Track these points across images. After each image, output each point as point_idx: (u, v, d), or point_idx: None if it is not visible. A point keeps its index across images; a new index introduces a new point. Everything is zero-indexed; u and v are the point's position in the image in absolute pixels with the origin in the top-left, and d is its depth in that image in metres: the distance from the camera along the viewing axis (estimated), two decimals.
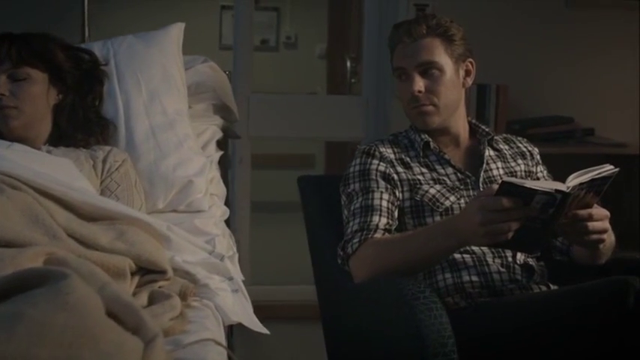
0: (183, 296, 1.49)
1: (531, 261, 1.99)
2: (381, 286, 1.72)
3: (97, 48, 2.09)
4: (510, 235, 1.61)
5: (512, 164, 2.10)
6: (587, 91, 3.50)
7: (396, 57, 2.00)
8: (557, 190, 1.57)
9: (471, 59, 2.09)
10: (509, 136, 2.21)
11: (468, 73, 2.09)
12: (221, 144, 2.32)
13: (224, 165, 2.35)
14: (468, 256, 1.92)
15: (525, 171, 2.11)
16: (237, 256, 1.95)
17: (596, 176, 1.63)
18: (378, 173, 2.00)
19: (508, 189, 1.59)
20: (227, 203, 2.14)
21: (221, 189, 2.09)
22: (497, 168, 2.07)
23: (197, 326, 1.41)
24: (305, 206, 2.16)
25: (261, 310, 4.01)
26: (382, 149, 2.05)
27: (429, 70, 1.96)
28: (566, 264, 2.07)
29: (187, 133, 2.01)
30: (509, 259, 1.94)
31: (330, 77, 5.68)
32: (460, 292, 1.89)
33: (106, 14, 6.24)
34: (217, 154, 2.15)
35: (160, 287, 1.51)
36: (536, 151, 2.19)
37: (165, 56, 2.08)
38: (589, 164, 1.66)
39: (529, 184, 1.58)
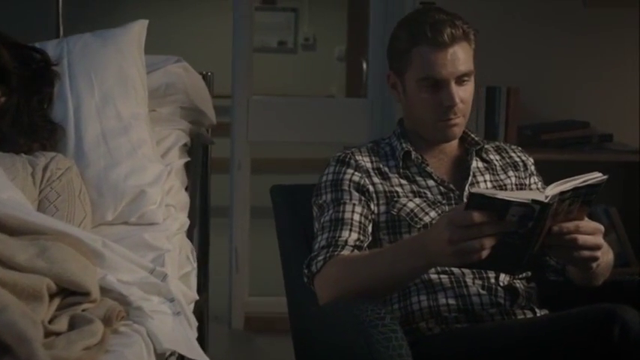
0: (107, 321, 1.34)
1: (518, 282, 1.81)
2: (339, 311, 1.55)
3: (52, 46, 1.96)
4: (485, 253, 1.44)
5: (502, 176, 1.92)
6: (604, 94, 3.34)
7: (425, 63, 1.77)
8: (534, 201, 1.39)
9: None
10: (502, 144, 2.03)
11: None
12: (196, 150, 2.18)
13: (196, 172, 2.19)
14: (445, 276, 1.75)
15: (517, 184, 1.92)
16: (194, 272, 1.81)
17: (581, 185, 1.45)
18: (352, 184, 1.84)
19: (478, 201, 1.42)
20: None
21: (181, 199, 1.94)
22: (485, 181, 1.89)
23: (114, 357, 1.26)
24: (276, 217, 2.01)
25: (259, 322, 3.84)
26: (358, 157, 1.88)
27: (463, 78, 1.78)
28: (562, 285, 1.88)
29: (143, 138, 1.86)
30: (492, 280, 1.76)
31: (349, 80, 5.54)
32: (435, 317, 1.72)
33: (117, 14, 6.18)
34: (180, 162, 2.00)
35: (83, 310, 1.36)
36: (530, 161, 2.00)
37: (123, 56, 1.94)
38: (605, 173, 1.49)
39: (501, 194, 1.41)
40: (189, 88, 2.16)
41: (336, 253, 1.72)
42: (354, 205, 1.81)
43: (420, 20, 1.80)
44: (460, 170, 1.91)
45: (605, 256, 1.68)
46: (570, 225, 1.51)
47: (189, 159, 2.09)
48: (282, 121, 3.65)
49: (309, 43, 6.41)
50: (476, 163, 1.92)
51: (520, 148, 2.04)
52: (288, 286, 1.96)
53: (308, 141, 3.81)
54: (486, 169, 1.92)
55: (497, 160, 1.96)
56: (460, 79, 1.79)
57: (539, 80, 3.29)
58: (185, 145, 2.09)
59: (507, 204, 1.40)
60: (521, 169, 1.96)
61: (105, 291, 1.43)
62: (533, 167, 2.00)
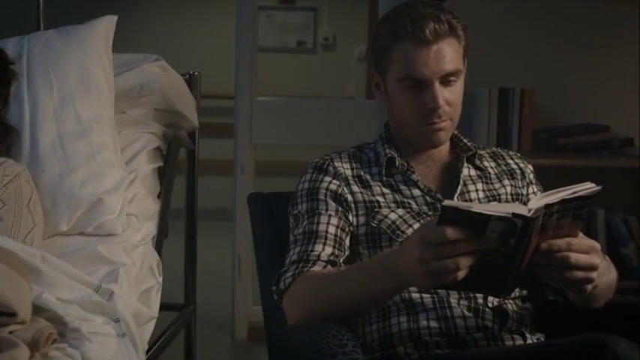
0: (35, 345, 1.21)
1: (510, 303, 1.64)
2: (300, 335, 1.41)
3: (12, 44, 1.84)
4: (461, 274, 1.28)
5: (497, 186, 1.75)
6: (625, 96, 3.15)
7: (406, 61, 1.61)
8: (515, 215, 1.23)
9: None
10: (498, 150, 1.86)
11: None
12: (173, 154, 2.04)
13: (170, 177, 2.06)
14: (428, 295, 1.59)
15: (512, 193, 1.76)
16: (157, 288, 1.67)
17: (569, 197, 1.29)
18: (328, 193, 1.69)
19: (452, 216, 1.26)
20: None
21: (145, 208, 1.80)
22: (477, 190, 1.73)
23: None
24: (253, 227, 1.87)
25: (262, 332, 3.70)
26: (337, 164, 1.74)
27: (449, 78, 1.62)
28: (561, 305, 1.71)
29: (104, 142, 1.73)
30: (480, 300, 1.60)
31: (370, 81, 5.39)
32: (415, 341, 1.56)
33: (135, 14, 6.10)
34: (148, 167, 1.87)
35: (11, 332, 1.23)
36: (529, 168, 1.83)
37: (86, 54, 1.81)
38: (626, 179, 1.32)
39: (478, 207, 1.25)
40: (166, 89, 2.03)
41: (305, 269, 1.57)
42: (329, 216, 1.66)
43: (402, 15, 1.65)
44: (450, 178, 1.75)
45: (605, 276, 1.51)
46: (561, 242, 1.34)
47: (161, 164, 1.95)
48: (287, 123, 3.51)
49: (329, 44, 6.27)
50: (468, 171, 1.76)
51: (518, 155, 1.87)
52: (263, 301, 1.82)
53: (315, 144, 3.66)
54: (479, 177, 1.76)
55: (492, 168, 1.80)
56: (446, 79, 1.63)
57: (555, 81, 3.13)
58: (157, 149, 1.95)
59: (485, 218, 1.25)
60: (518, 177, 1.80)
61: (40, 310, 1.31)
62: (532, 175, 1.83)
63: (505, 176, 1.78)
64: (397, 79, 1.65)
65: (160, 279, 1.72)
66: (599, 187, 1.33)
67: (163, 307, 2.51)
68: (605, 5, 3.12)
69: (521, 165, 1.83)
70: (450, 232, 1.24)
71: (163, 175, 1.99)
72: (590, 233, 2.99)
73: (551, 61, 3.13)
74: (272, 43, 6.12)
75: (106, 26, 1.87)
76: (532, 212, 1.25)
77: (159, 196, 1.94)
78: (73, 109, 1.73)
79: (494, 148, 1.87)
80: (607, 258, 1.66)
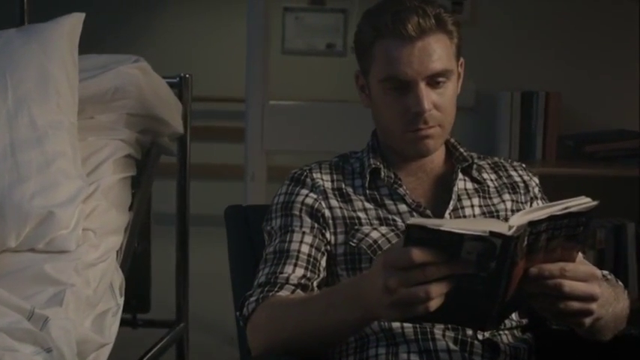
0: None
1: (505, 334, 1.46)
2: None
3: None
4: (434, 304, 1.10)
5: (495, 200, 1.57)
6: None
7: (388, 60, 1.45)
8: (493, 234, 1.06)
9: (461, 58, 1.58)
10: (501, 161, 1.67)
11: (458, 76, 1.58)
12: (151, 162, 1.90)
13: (146, 187, 1.91)
14: (409, 325, 1.41)
15: (513, 209, 1.57)
16: (115, 310, 1.52)
17: (558, 213, 1.11)
18: (304, 208, 1.53)
19: (420, 235, 1.09)
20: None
21: (107, 222, 1.65)
22: (472, 206, 1.55)
23: None
24: (228, 243, 1.71)
25: None
26: (316, 175, 1.57)
27: (437, 79, 1.45)
28: (567, 335, 1.51)
29: (61, 150, 1.59)
30: (469, 332, 1.41)
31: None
32: None
33: (164, 16, 6.03)
34: (113, 177, 1.72)
35: None
36: (535, 181, 1.64)
37: (47, 54, 1.67)
38: None
39: (448, 225, 1.07)
40: (145, 93, 1.89)
41: (271, 293, 1.41)
42: (303, 233, 1.50)
43: (384, 8, 1.48)
44: (443, 192, 1.57)
45: (611, 306, 1.32)
46: (553, 267, 1.16)
47: (131, 174, 1.80)
48: (301, 129, 3.35)
49: None
50: (463, 184, 1.58)
51: (523, 166, 1.68)
52: (237, 326, 1.66)
53: (330, 150, 3.48)
54: (476, 191, 1.58)
55: (492, 181, 1.61)
56: (433, 80, 1.46)
57: (582, 84, 2.98)
58: (128, 157, 1.80)
59: (458, 238, 1.07)
60: (521, 192, 1.61)
61: None
62: (537, 189, 1.64)
63: (506, 190, 1.60)
64: (378, 79, 1.49)
65: (121, 300, 1.57)
66: (594, 203, 1.15)
67: (151, 324, 2.42)
68: (636, 6, 2.92)
69: (526, 177, 1.64)
70: (418, 255, 1.07)
71: (138, 184, 1.84)
72: (619, 249, 2.79)
73: (578, 62, 3.00)
74: (300, 46, 5.98)
75: (71, 25, 1.72)
76: (513, 230, 1.07)
77: (131, 208, 1.79)
78: (28, 114, 1.59)
79: (495, 159, 1.69)
80: (619, 283, 1.47)
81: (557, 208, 1.13)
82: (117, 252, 1.68)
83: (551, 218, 1.12)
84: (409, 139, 1.50)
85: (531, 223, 1.10)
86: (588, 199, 1.16)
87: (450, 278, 1.10)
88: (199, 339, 2.71)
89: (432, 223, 1.09)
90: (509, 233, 1.07)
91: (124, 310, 2.38)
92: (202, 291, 2.97)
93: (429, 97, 1.45)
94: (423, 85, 1.45)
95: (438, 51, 1.45)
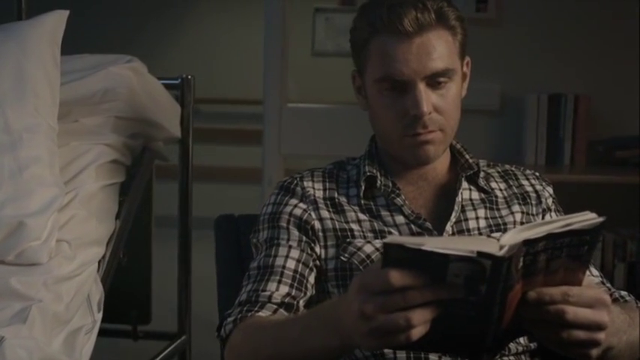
0: None
1: (510, 359, 1.32)
2: None
3: None
4: (418, 332, 0.97)
5: (504, 212, 1.44)
6: None
7: (383, 58, 1.33)
8: (482, 254, 0.94)
9: (467, 56, 1.45)
10: (512, 169, 1.53)
11: (464, 76, 1.45)
12: (144, 168, 1.80)
13: (135, 195, 1.81)
14: (402, 351, 1.28)
15: (522, 222, 1.43)
16: (89, 328, 1.42)
17: (558, 231, 0.98)
18: (292, 219, 1.41)
19: (399, 255, 0.97)
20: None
21: (85, 233, 1.54)
22: (477, 218, 1.41)
23: None
24: (216, 255, 1.61)
25: None
26: (307, 184, 1.45)
27: (438, 79, 1.33)
28: None
29: (36, 156, 1.49)
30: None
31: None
32: None
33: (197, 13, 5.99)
34: (96, 184, 1.61)
35: None
36: (548, 191, 1.50)
37: (26, 54, 1.57)
38: None
39: (431, 244, 0.94)
40: (137, 95, 1.79)
41: (250, 313, 1.30)
42: (289, 247, 1.38)
43: (381, 2, 1.35)
44: (446, 203, 1.44)
45: (623, 334, 1.17)
46: (555, 291, 1.02)
47: (117, 180, 1.70)
48: (320, 132, 3.23)
49: None
50: (469, 194, 1.44)
51: (536, 174, 1.54)
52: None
53: (350, 154, 3.37)
54: (482, 201, 1.44)
55: (500, 190, 1.48)
56: (433, 81, 1.33)
57: (613, 86, 2.84)
58: (115, 163, 1.70)
59: (442, 259, 0.94)
60: (532, 203, 1.47)
61: None
62: (550, 200, 1.50)
63: (516, 201, 1.46)
64: (374, 80, 1.36)
65: (99, 315, 1.47)
66: (600, 219, 1.01)
67: (153, 336, 2.33)
68: None
69: (538, 187, 1.50)
70: (396, 278, 0.94)
71: (128, 191, 1.74)
72: None
73: (608, 63, 2.86)
74: (331, 47, 5.86)
75: (53, 23, 1.63)
76: (504, 250, 0.94)
77: (118, 217, 1.69)
78: (3, 117, 1.50)
79: (507, 166, 1.55)
80: (638, 305, 1.33)
81: (556, 224, 1.00)
82: (99, 263, 1.58)
83: (550, 236, 0.99)
84: (407, 145, 1.37)
85: (527, 242, 0.97)
86: (594, 215, 1.02)
87: (435, 303, 0.97)
88: (203, 346, 2.60)
89: (412, 241, 0.96)
90: (500, 254, 0.94)
91: (124, 322, 2.32)
92: (208, 296, 2.88)
93: (428, 98, 1.32)
94: (421, 86, 1.32)
95: (439, 48, 1.32)
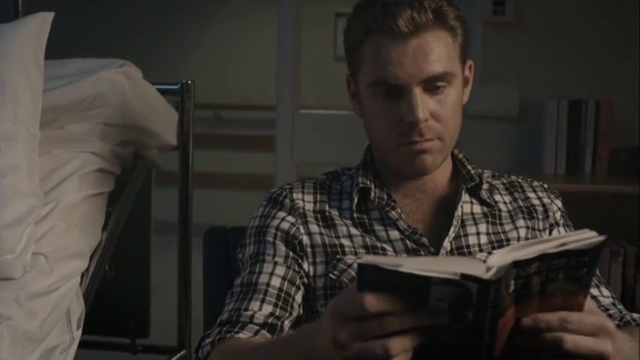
0: None
1: None
2: None
3: None
4: None
5: (507, 227, 1.34)
6: None
7: (376, 61, 1.25)
8: (466, 277, 0.85)
9: (469, 60, 1.36)
10: (518, 180, 1.44)
11: (466, 81, 1.36)
12: (139, 177, 1.72)
13: (125, 204, 1.74)
14: None
15: (528, 238, 1.34)
16: (66, 346, 1.35)
17: (552, 251, 0.89)
18: (279, 233, 1.33)
19: (376, 277, 0.88)
20: None
21: (64, 245, 1.47)
22: (479, 233, 1.32)
23: None
24: (203, 269, 1.53)
25: None
26: (296, 195, 1.37)
27: (436, 84, 1.25)
28: None
29: (14, 165, 1.42)
30: None
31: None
32: None
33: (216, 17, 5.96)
34: (79, 195, 1.53)
35: None
36: (557, 205, 1.40)
37: (6, 58, 1.49)
38: None
39: (408, 265, 0.86)
40: (129, 101, 1.71)
41: (229, 334, 1.22)
42: (275, 264, 1.30)
43: (374, 1, 1.26)
44: (445, 217, 1.34)
45: None
46: (551, 318, 0.92)
47: (104, 190, 1.62)
48: (333, 139, 3.15)
49: None
50: (470, 208, 1.35)
51: (545, 186, 1.44)
52: None
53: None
54: (485, 215, 1.35)
55: (505, 203, 1.38)
56: (431, 85, 1.24)
57: (636, 92, 2.71)
58: (101, 172, 1.63)
59: (423, 282, 0.86)
60: (539, 217, 1.37)
61: None
62: (559, 214, 1.40)
63: (521, 215, 1.36)
64: (367, 84, 1.28)
65: (78, 333, 1.39)
66: (600, 238, 0.91)
67: (151, 349, 2.25)
68: None
69: (545, 200, 1.40)
70: (372, 303, 0.85)
71: (117, 200, 1.67)
72: None
73: (631, 68, 2.74)
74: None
75: (37, 26, 1.55)
76: (492, 273, 0.85)
77: (106, 228, 1.62)
78: None
79: (513, 178, 1.45)
80: None
81: (551, 244, 0.90)
82: (83, 276, 1.51)
83: (544, 257, 0.89)
84: (403, 154, 1.28)
85: (517, 264, 0.88)
86: (593, 234, 0.92)
87: (417, 330, 0.88)
88: None
89: (389, 262, 0.87)
90: (487, 276, 0.84)
91: (122, 335, 2.25)
92: None
93: (425, 104, 1.23)
94: (417, 91, 1.23)
95: (437, 50, 1.23)
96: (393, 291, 0.87)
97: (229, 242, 1.51)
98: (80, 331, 1.41)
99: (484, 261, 0.87)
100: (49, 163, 1.54)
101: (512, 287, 0.89)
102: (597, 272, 1.37)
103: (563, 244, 0.90)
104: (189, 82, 2.07)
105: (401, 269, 0.85)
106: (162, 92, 2.06)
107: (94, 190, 1.58)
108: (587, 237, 0.92)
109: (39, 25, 1.55)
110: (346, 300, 0.88)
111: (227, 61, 5.72)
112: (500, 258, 0.87)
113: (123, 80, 1.73)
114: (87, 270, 1.53)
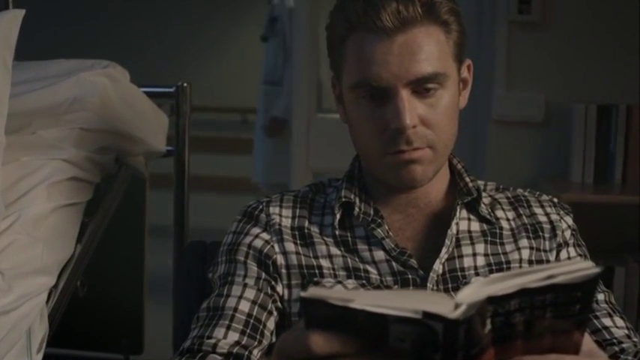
0: None
1: None
2: None
3: None
4: None
5: (508, 248, 1.21)
6: None
7: (359, 60, 1.13)
8: (428, 315, 0.72)
9: (468, 59, 1.23)
10: (525, 194, 1.29)
11: (464, 83, 1.22)
12: (121, 186, 1.61)
13: (103, 215, 1.63)
14: None
15: (531, 260, 1.20)
16: None
17: (535, 285, 0.77)
18: (251, 252, 1.21)
19: (324, 313, 0.76)
20: None
21: (26, 261, 1.35)
22: (475, 254, 1.19)
23: None
24: (173, 288, 1.41)
25: None
26: (273, 210, 1.24)
27: (426, 85, 1.12)
28: None
29: None
30: None
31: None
32: None
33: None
34: (46, 206, 1.42)
35: None
36: (566, 222, 1.26)
37: None
38: None
39: (361, 300, 0.74)
40: (111, 104, 1.61)
41: None
42: (244, 286, 1.18)
43: None
44: (439, 236, 1.21)
45: None
46: None
47: (78, 200, 1.51)
48: (351, 145, 3.01)
49: None
50: (467, 225, 1.22)
51: (555, 201, 1.29)
52: None
53: None
54: (483, 234, 1.21)
55: (508, 220, 1.24)
56: (421, 87, 1.10)
57: None
58: (74, 180, 1.51)
59: (380, 320, 0.73)
60: (545, 236, 1.23)
61: None
62: (568, 233, 1.25)
63: (524, 234, 1.22)
64: (349, 85, 1.15)
65: (38, 357, 1.28)
66: (596, 270, 0.77)
67: None
68: None
69: (554, 217, 1.25)
70: (319, 344, 0.73)
71: (97, 210, 1.56)
72: None
73: None
74: None
75: (5, 24, 1.45)
76: (461, 310, 0.72)
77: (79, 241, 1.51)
78: None
79: (519, 191, 1.30)
80: None
81: (534, 276, 0.77)
82: (51, 293, 1.40)
83: (525, 292, 0.76)
84: (389, 164, 1.15)
85: (493, 300, 0.75)
86: (588, 264, 0.78)
87: None
88: None
89: (339, 296, 0.74)
90: (453, 316, 0.71)
91: (114, 351, 2.15)
92: None
93: (413, 108, 1.10)
94: (405, 94, 1.10)
95: (426, 48, 1.10)
96: (345, 329, 0.74)
97: (207, 258, 1.40)
98: (41, 355, 1.30)
99: (453, 297, 0.75)
100: (15, 172, 1.43)
101: (488, 326, 0.76)
102: (612, 299, 1.23)
103: (550, 277, 0.76)
104: (185, 85, 1.97)
105: (351, 305, 0.72)
106: (158, 95, 1.97)
107: (66, 200, 1.47)
108: (580, 268, 0.78)
109: (7, 23, 1.45)
110: (291, 340, 0.76)
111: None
112: (472, 293, 0.74)
113: (105, 82, 1.62)
114: (55, 287, 1.43)
